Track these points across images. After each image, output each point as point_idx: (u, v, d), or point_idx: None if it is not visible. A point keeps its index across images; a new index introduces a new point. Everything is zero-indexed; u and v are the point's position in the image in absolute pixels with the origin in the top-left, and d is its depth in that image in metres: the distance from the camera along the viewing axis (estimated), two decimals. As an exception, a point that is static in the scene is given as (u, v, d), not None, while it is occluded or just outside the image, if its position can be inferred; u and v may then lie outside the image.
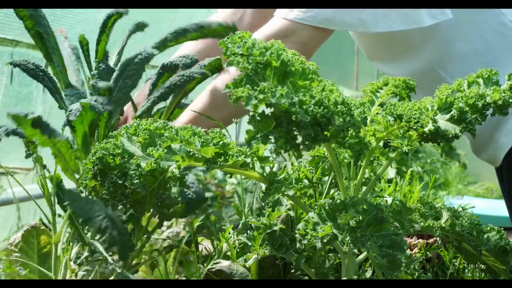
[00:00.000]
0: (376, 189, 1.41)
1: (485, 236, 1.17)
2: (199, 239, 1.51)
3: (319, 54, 1.67)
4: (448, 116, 1.03)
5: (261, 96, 0.91)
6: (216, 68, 1.53)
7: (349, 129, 0.98)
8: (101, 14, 1.49)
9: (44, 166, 1.32)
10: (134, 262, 1.42)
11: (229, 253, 1.33)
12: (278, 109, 0.91)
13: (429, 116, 1.02)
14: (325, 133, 0.95)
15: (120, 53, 1.51)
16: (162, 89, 1.41)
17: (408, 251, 1.17)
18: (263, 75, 0.96)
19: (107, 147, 1.03)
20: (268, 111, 0.93)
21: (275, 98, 0.91)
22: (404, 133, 1.08)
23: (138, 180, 1.01)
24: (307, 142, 0.93)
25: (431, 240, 1.42)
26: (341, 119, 0.96)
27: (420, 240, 1.42)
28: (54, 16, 1.51)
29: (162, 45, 1.50)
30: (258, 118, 0.93)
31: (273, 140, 0.94)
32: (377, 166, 1.19)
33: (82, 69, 1.49)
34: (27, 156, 1.32)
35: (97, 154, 1.02)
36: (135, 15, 1.57)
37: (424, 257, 1.39)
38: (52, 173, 1.32)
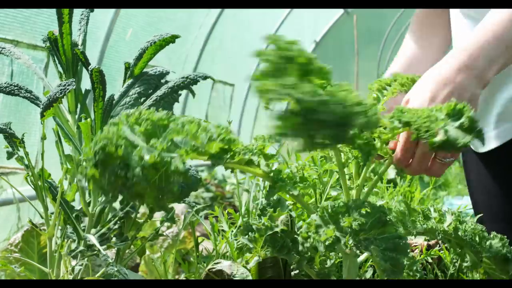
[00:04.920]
0: (376, 189, 1.41)
1: (488, 242, 1.15)
2: (199, 239, 1.51)
3: (319, 54, 1.67)
4: (457, 123, 1.01)
5: (288, 92, 0.89)
6: None
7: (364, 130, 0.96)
8: (100, 13, 1.49)
9: (27, 166, 1.31)
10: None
11: (228, 254, 1.33)
12: (303, 106, 0.89)
13: (439, 125, 1.00)
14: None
15: (83, 43, 1.54)
16: (165, 89, 1.47)
17: (410, 253, 1.17)
18: (288, 71, 0.93)
19: (109, 136, 0.99)
20: (290, 107, 0.91)
21: (301, 94, 0.89)
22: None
23: (140, 172, 0.98)
24: (328, 142, 0.91)
25: (432, 242, 1.41)
26: (360, 120, 0.94)
27: (424, 242, 1.41)
28: (54, 16, 1.51)
29: None
30: (284, 114, 0.91)
31: (295, 137, 0.91)
32: (377, 166, 1.18)
33: (55, 64, 1.52)
34: (9, 157, 1.32)
35: (99, 143, 0.99)
36: (135, 15, 1.57)
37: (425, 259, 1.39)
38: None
